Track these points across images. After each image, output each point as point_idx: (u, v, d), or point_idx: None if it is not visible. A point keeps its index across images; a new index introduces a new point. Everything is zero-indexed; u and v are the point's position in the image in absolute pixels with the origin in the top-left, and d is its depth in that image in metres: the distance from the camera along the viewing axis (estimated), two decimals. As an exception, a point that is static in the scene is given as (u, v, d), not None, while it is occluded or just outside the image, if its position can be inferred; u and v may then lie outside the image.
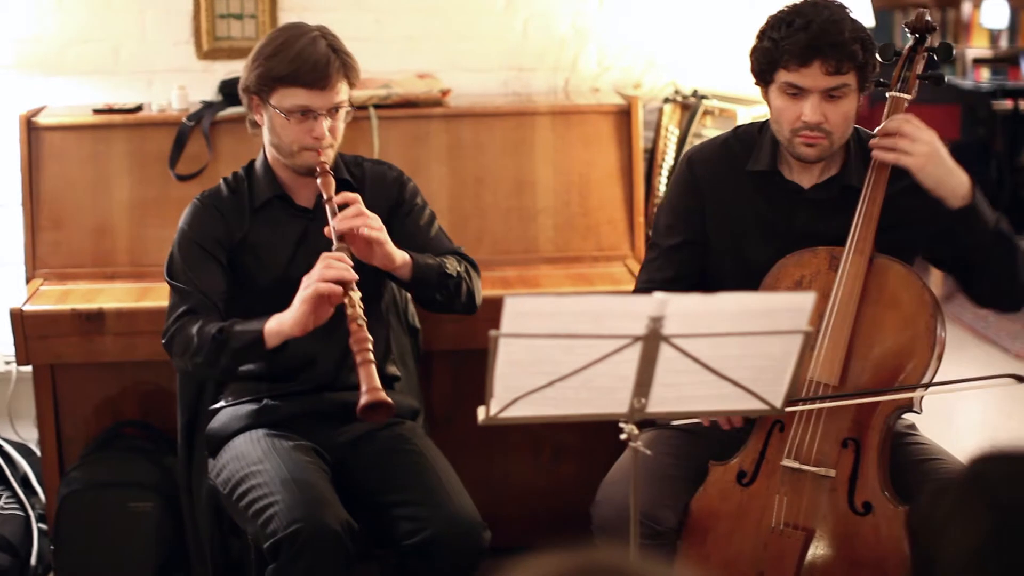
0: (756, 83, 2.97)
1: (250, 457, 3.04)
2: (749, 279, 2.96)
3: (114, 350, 3.66)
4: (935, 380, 2.88)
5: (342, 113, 3.07)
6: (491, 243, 3.98)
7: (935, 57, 2.98)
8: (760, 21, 2.95)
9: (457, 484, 3.05)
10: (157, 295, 3.71)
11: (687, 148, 4.10)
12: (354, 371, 2.82)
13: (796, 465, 2.85)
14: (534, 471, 4.04)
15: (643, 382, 2.33)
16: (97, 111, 4.00)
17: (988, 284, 2.96)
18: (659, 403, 2.38)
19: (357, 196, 3.00)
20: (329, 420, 3.14)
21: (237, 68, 4.20)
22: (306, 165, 3.06)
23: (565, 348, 2.27)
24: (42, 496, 3.94)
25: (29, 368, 3.84)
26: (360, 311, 2.83)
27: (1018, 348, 6.06)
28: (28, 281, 3.86)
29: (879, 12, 5.16)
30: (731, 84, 4.24)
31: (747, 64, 2.98)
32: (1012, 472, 1.43)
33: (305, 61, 3.00)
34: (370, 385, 2.73)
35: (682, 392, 2.38)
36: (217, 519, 3.32)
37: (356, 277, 2.88)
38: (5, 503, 3.90)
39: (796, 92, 2.86)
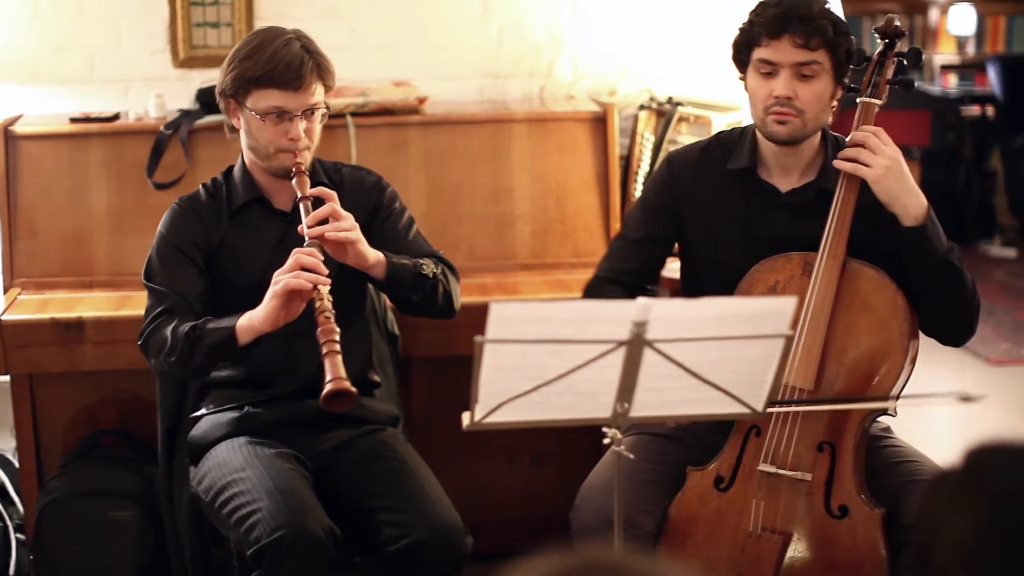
0: (740, 77, 3.03)
1: (232, 464, 3.04)
2: (725, 281, 2.99)
3: (93, 359, 3.66)
4: (904, 387, 2.92)
5: (318, 115, 3.09)
6: (469, 250, 3.99)
7: (905, 62, 3.02)
8: (735, 30, 3.01)
9: (439, 490, 3.06)
10: (136, 304, 3.70)
11: (663, 155, 4.13)
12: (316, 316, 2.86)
13: (772, 470, 2.87)
14: (512, 477, 4.05)
15: (626, 387, 2.36)
16: (74, 120, 3.99)
17: (931, 312, 2.96)
18: (642, 407, 2.41)
19: (333, 193, 3.03)
20: (310, 427, 3.14)
21: (214, 76, 4.18)
22: (283, 167, 3.08)
23: (550, 353, 2.29)
24: (19, 506, 3.93)
25: (4, 377, 3.83)
26: (329, 304, 2.85)
27: (988, 353, 6.11)
28: (5, 291, 3.85)
29: (848, 18, 5.19)
30: (706, 91, 4.27)
31: (721, 72, 3.03)
32: (1009, 462, 1.44)
33: (279, 62, 3.02)
34: (335, 374, 2.75)
35: (665, 396, 2.41)
36: (198, 527, 3.33)
37: (326, 272, 2.90)
38: (-18, 513, 3.89)
39: (769, 71, 2.92)
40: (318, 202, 3.01)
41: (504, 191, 4.07)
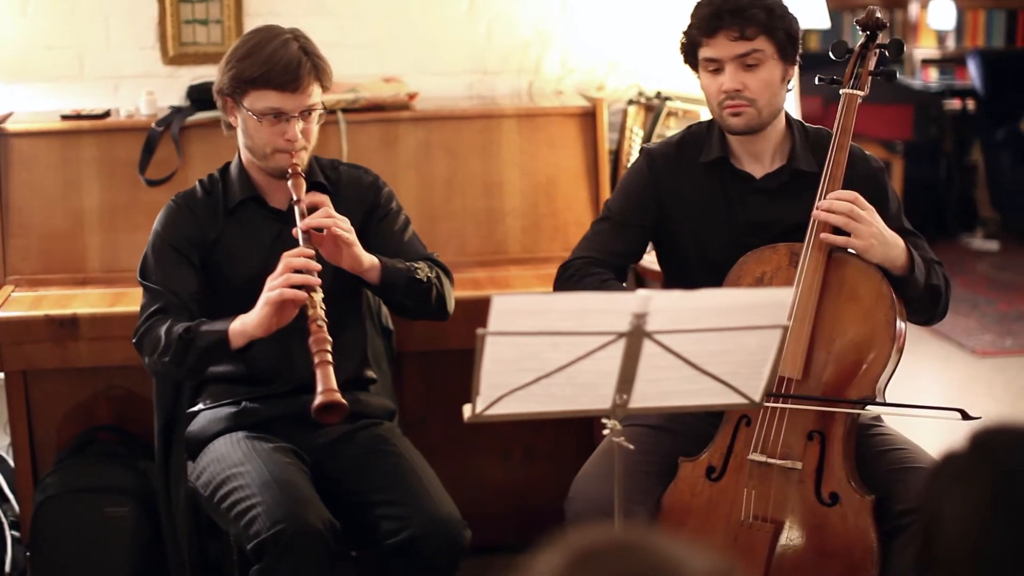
0: (694, 73, 3.10)
1: (231, 459, 3.05)
2: (711, 271, 3.03)
3: (88, 355, 3.66)
4: (892, 375, 2.95)
5: (315, 116, 3.10)
6: (460, 245, 4.01)
7: (887, 54, 3.06)
8: None
9: (437, 484, 3.07)
10: (130, 300, 3.71)
11: (649, 147, 4.15)
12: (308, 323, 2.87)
13: (763, 459, 2.89)
14: (505, 472, 4.07)
15: (626, 378, 2.37)
16: (65, 117, 4.00)
17: (913, 316, 3.05)
18: (641, 399, 2.42)
19: (326, 198, 3.04)
20: (308, 422, 3.13)
21: (203, 73, 4.23)
22: (279, 167, 3.08)
23: (550, 345, 2.31)
24: (14, 502, 3.94)
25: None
26: (322, 312, 2.87)
27: (973, 344, 6.15)
28: (-1, 288, 3.86)
29: (831, 13, 5.22)
30: (694, 86, 4.27)
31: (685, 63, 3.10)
32: (1014, 441, 1.47)
33: (276, 63, 3.02)
34: (326, 386, 2.77)
35: (663, 387, 2.43)
36: (195, 522, 3.33)
37: (319, 268, 2.92)
38: (-24, 511, 3.89)
39: (715, 67, 2.99)
40: (313, 209, 3.02)
41: (494, 186, 4.08)
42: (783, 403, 2.89)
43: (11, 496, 3.96)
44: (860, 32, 3.07)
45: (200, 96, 3.99)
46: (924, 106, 8.11)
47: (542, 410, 2.43)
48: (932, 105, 8.22)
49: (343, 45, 4.30)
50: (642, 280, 4.02)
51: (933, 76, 9.20)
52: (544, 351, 2.32)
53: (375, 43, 4.37)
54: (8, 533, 3.85)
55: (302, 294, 2.88)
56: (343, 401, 2.77)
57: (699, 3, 3.03)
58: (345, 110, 4.00)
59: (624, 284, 3.14)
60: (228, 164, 3.25)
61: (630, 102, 4.32)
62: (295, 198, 3.02)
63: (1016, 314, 6.67)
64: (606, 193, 4.12)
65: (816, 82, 3.15)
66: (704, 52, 3.00)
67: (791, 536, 2.88)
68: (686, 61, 3.10)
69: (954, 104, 8.76)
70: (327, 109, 3.17)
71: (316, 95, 3.08)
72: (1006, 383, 5.72)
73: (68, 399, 3.91)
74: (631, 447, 2.52)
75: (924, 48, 9.19)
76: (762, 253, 3.01)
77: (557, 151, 4.12)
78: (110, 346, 3.65)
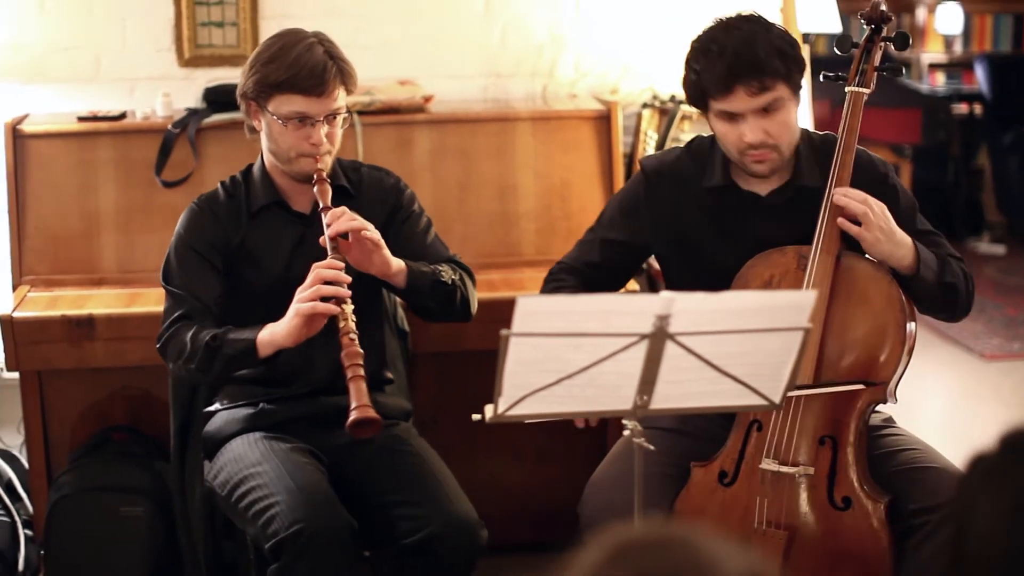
0: (701, 114, 3.00)
1: (249, 459, 3.06)
2: (716, 285, 3.00)
3: (103, 356, 3.68)
4: (902, 376, 2.94)
5: (339, 119, 3.09)
6: (475, 247, 4.02)
7: (892, 47, 3.01)
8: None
9: (454, 484, 3.08)
10: (146, 301, 3.73)
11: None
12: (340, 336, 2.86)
13: (775, 467, 2.89)
14: (518, 473, 4.08)
15: (648, 379, 2.38)
16: (82, 118, 4.01)
17: (930, 313, 3.06)
18: (662, 400, 2.43)
19: (345, 209, 3.00)
20: (325, 423, 3.15)
21: (219, 75, 4.24)
22: (303, 172, 3.08)
23: (573, 346, 2.32)
24: (27, 502, 3.95)
25: (11, 374, 3.84)
26: (353, 324, 2.86)
27: (981, 348, 6.16)
28: (15, 288, 3.87)
29: (840, 16, 5.24)
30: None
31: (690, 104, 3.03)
32: None
33: (302, 68, 3.01)
34: (360, 402, 2.75)
35: (684, 389, 2.43)
36: (211, 522, 3.34)
37: (349, 293, 2.90)
38: (-9, 509, 3.91)
39: (731, 117, 2.89)
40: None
41: (509, 189, 4.10)
42: (798, 392, 2.85)
43: (25, 495, 3.97)
44: (864, 26, 3.02)
45: (216, 98, 4.00)
46: (932, 110, 8.11)
47: (563, 411, 2.45)
48: (940, 109, 8.21)
49: (357, 47, 4.27)
50: (655, 283, 4.02)
51: (940, 80, 9.20)
52: (567, 352, 2.33)
53: (389, 45, 4.38)
54: (21, 532, 3.86)
55: (334, 308, 2.87)
56: (377, 416, 2.76)
57: (704, 49, 2.89)
58: (360, 112, 4.01)
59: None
60: (250, 167, 3.24)
61: (644, 105, 4.33)
62: (321, 205, 3.01)
63: (1023, 318, 6.67)
64: (620, 197, 4.13)
65: (821, 79, 3.06)
66: (719, 105, 2.88)
67: (805, 542, 2.88)
68: (691, 103, 3.00)
69: (961, 108, 8.76)
70: (351, 113, 3.15)
71: (341, 99, 3.08)
72: (1014, 386, 5.73)
73: (83, 399, 3.92)
74: (651, 448, 2.52)
75: (931, 52, 9.19)
76: (770, 256, 2.97)
77: (571, 154, 4.13)
78: (126, 347, 3.66)
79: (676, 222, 3.08)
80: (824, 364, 2.90)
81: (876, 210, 2.87)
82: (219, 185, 3.24)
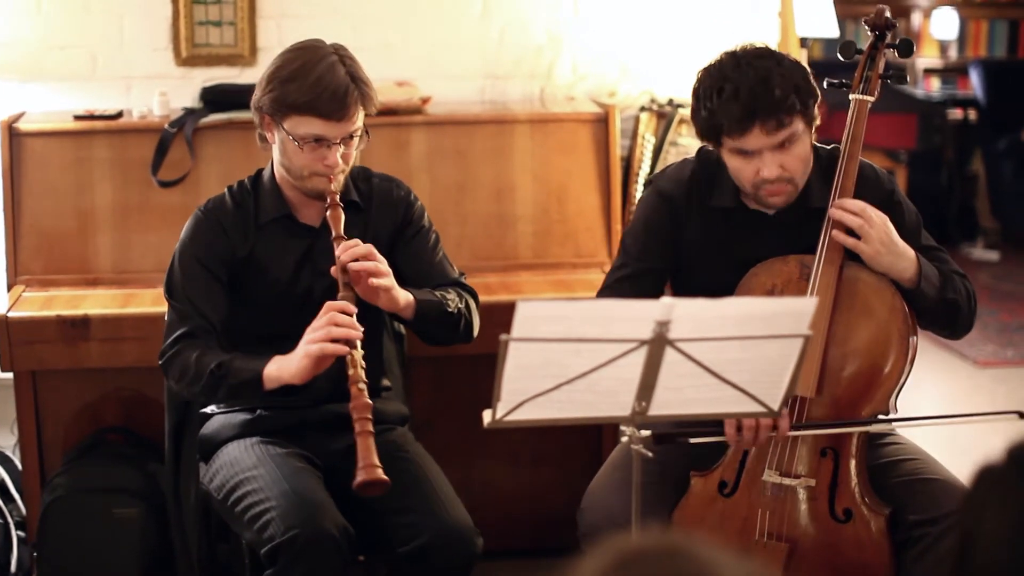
0: (713, 148, 2.94)
1: (244, 463, 3.04)
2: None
3: (98, 356, 3.66)
4: (903, 387, 2.92)
5: (356, 140, 3.01)
6: (471, 250, 4.01)
7: (896, 54, 2.99)
8: (733, 32, 2.96)
9: (450, 491, 3.06)
10: (141, 301, 3.72)
11: (663, 156, 4.15)
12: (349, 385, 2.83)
13: (777, 479, 2.88)
14: (513, 477, 4.07)
15: (647, 385, 2.37)
16: (78, 117, 3.99)
17: (932, 326, 3.03)
18: (661, 406, 2.42)
19: (368, 249, 2.92)
20: (323, 429, 3.13)
21: (216, 75, 4.23)
22: (316, 190, 3.01)
23: (573, 352, 2.31)
24: (20, 503, 3.93)
25: (5, 374, 3.83)
26: (362, 373, 2.80)
27: (975, 354, 6.15)
28: (9, 288, 3.85)
29: (839, 22, 5.23)
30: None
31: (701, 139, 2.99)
32: None
33: (323, 91, 2.91)
34: (367, 461, 2.69)
35: (683, 395, 2.42)
36: (205, 524, 3.32)
37: (361, 336, 2.85)
38: (-17, 510, 3.89)
39: (747, 153, 2.84)
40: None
41: (506, 191, 4.09)
42: (804, 431, 2.86)
43: (18, 496, 3.96)
44: (869, 32, 2.99)
45: (213, 98, 4.00)
46: (927, 115, 8.11)
47: (561, 416, 2.43)
48: (935, 115, 8.22)
49: (355, 48, 4.20)
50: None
51: (935, 86, 9.21)
52: (566, 358, 2.32)
53: (387, 46, 4.37)
54: (14, 533, 3.85)
55: (343, 349, 2.82)
56: (385, 478, 2.70)
57: (717, 88, 2.80)
58: (357, 114, 3.99)
59: None
60: (259, 173, 3.16)
61: (642, 109, 4.33)
62: (334, 234, 2.94)
63: (1017, 324, 6.68)
64: (618, 199, 4.13)
65: (825, 85, 3.00)
66: (734, 143, 2.83)
67: (805, 554, 2.86)
68: (704, 139, 2.92)
69: (956, 114, 8.77)
70: (368, 132, 3.08)
71: (359, 120, 2.99)
72: (1008, 393, 5.73)
73: (77, 400, 3.91)
74: (650, 454, 2.51)
75: (926, 58, 9.20)
76: (772, 265, 2.95)
77: (569, 157, 4.12)
78: (120, 347, 3.65)
79: (687, 239, 3.05)
80: (827, 375, 2.88)
81: (875, 221, 2.85)
82: (226, 191, 3.16)
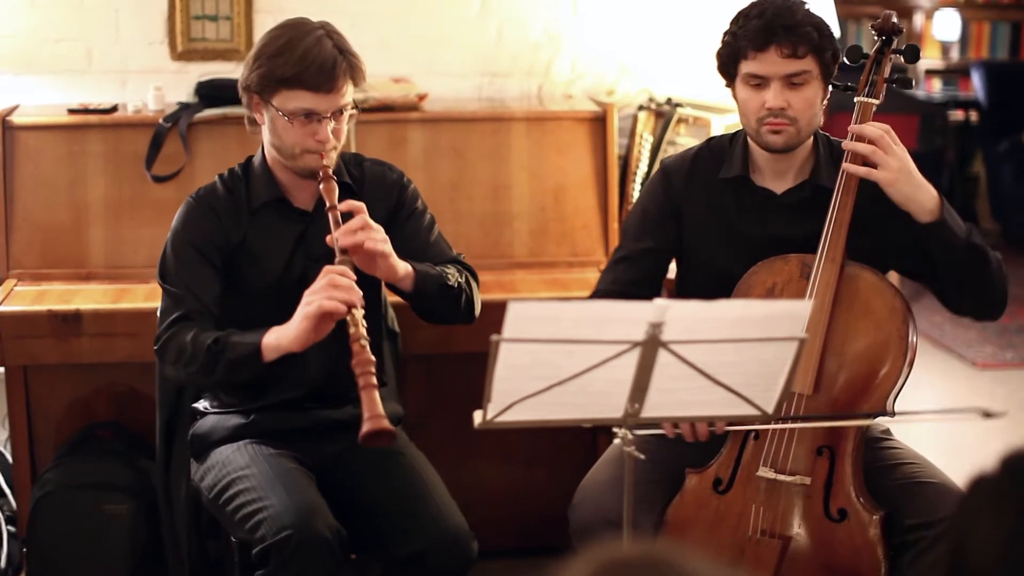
0: (726, 84, 3.02)
1: (237, 462, 3.01)
2: (723, 286, 2.99)
3: (90, 351, 3.64)
4: (902, 389, 2.92)
5: (346, 115, 2.99)
6: (467, 248, 3.95)
7: (902, 59, 2.99)
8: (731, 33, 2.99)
9: (445, 494, 3.03)
10: (134, 296, 3.70)
11: (661, 155, 4.13)
12: (344, 380, 2.79)
13: (772, 475, 2.87)
14: (507, 477, 4.06)
15: (639, 387, 2.35)
16: (72, 111, 3.96)
17: (963, 295, 2.97)
18: (654, 408, 2.40)
19: (362, 205, 2.91)
20: (315, 435, 3.11)
21: (211, 70, 4.21)
22: (308, 168, 2.98)
23: (565, 353, 2.28)
24: (11, 498, 3.91)
25: (-2, 369, 3.82)
26: (364, 330, 2.73)
27: (974, 356, 6.14)
28: (1, 282, 3.83)
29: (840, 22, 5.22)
30: (705, 93, 4.28)
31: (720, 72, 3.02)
32: None
33: (311, 63, 2.90)
34: (372, 412, 2.62)
35: (677, 397, 2.40)
36: (195, 521, 3.31)
37: (361, 295, 2.79)
38: (-28, 506, 3.87)
39: (758, 82, 2.91)
40: (347, 216, 2.90)
41: (502, 189, 4.06)
42: (792, 424, 2.86)
43: (8, 492, 3.94)
44: (875, 37, 3.01)
45: (209, 92, 3.97)
46: (929, 117, 8.09)
47: (553, 418, 2.41)
48: (937, 116, 8.20)
49: (353, 44, 4.25)
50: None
51: (937, 87, 9.20)
52: (558, 359, 2.29)
53: (385, 42, 4.34)
54: (4, 528, 3.83)
55: (342, 307, 2.75)
56: (391, 428, 2.62)
57: (744, 13, 2.94)
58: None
59: None
60: (250, 160, 3.14)
61: (640, 108, 4.30)
62: (328, 204, 2.90)
63: (1017, 326, 6.65)
64: (615, 199, 4.11)
65: (830, 87, 3.01)
66: (749, 67, 2.91)
67: (799, 552, 2.85)
68: (721, 71, 3.01)
69: (957, 115, 8.75)
70: (358, 107, 3.06)
71: (349, 94, 2.97)
72: (1007, 395, 5.71)
73: (68, 395, 3.89)
74: (642, 457, 2.49)
75: (928, 59, 9.18)
76: (773, 264, 2.96)
77: (566, 156, 4.10)
78: (112, 342, 3.63)
79: (694, 215, 3.08)
80: (824, 374, 2.88)
81: (894, 148, 2.85)
82: (217, 179, 3.14)
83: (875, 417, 2.89)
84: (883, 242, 3.00)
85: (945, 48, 9.21)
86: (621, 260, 3.15)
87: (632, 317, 2.27)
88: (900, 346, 2.87)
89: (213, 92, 3.95)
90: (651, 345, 2.28)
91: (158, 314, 3.08)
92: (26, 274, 3.85)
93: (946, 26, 9.04)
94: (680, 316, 2.27)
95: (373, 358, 2.69)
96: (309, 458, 3.08)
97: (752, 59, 2.90)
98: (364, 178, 3.18)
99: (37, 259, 3.87)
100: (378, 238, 2.87)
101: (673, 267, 3.24)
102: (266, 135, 3.05)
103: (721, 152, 3.10)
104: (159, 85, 4.06)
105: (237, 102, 3.15)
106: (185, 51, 4.25)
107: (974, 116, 8.78)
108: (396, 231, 3.08)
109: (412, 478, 3.04)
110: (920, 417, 2.90)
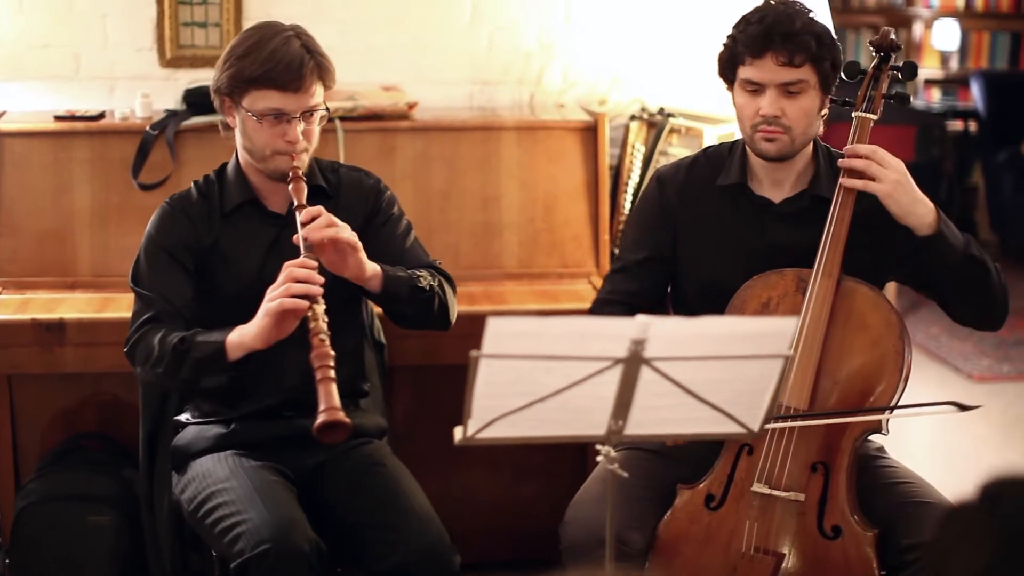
0: (727, 88, 3.02)
1: (217, 475, 2.99)
2: (719, 297, 2.97)
3: (74, 361, 3.61)
4: (894, 404, 2.90)
5: (317, 116, 3.00)
6: (456, 258, 3.96)
7: (899, 76, 2.99)
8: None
9: (427, 507, 3.00)
10: (119, 306, 3.67)
11: (653, 166, 4.10)
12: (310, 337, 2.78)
13: (766, 491, 2.85)
14: (495, 490, 4.03)
15: (622, 404, 2.32)
16: (59, 118, 3.94)
17: (964, 305, 2.99)
18: (637, 425, 2.36)
19: (321, 208, 2.92)
20: (296, 446, 3.08)
21: (200, 77, 4.18)
22: (279, 170, 2.99)
23: (545, 369, 2.25)
24: (-5, 509, 3.89)
25: (-20, 379, 3.79)
26: (324, 325, 2.76)
27: (970, 369, 6.11)
28: (-15, 290, 3.81)
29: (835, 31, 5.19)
30: (697, 103, 4.25)
31: (712, 83, 3.01)
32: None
33: (278, 62, 2.92)
34: (328, 404, 2.63)
35: (661, 414, 2.37)
36: (178, 532, 3.27)
37: (322, 290, 2.81)
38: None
39: (755, 88, 2.91)
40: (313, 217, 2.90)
41: (492, 199, 4.03)
42: (792, 423, 2.83)
43: (-9, 502, 3.91)
44: (873, 53, 3.01)
45: (196, 100, 3.94)
46: (927, 127, 8.07)
47: (535, 435, 2.37)
48: (935, 126, 8.18)
49: (342, 52, 4.21)
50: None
51: (936, 97, 9.17)
52: (539, 375, 2.26)
53: (375, 50, 4.32)
54: (-12, 538, 3.81)
55: (303, 304, 2.78)
56: (346, 420, 2.63)
57: (746, 18, 2.95)
58: (343, 118, 3.95)
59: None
60: (225, 165, 3.16)
61: (632, 118, 4.27)
62: (295, 203, 2.92)
63: (1014, 340, 6.62)
64: (606, 209, 4.08)
65: (828, 102, 3.03)
66: (746, 72, 2.92)
67: (792, 569, 2.83)
68: (721, 75, 3.01)
69: (956, 125, 8.73)
70: (328, 110, 3.06)
71: (318, 95, 2.98)
72: (1003, 409, 5.68)
73: (53, 405, 3.86)
74: (625, 475, 2.46)
75: (927, 68, 9.15)
76: (768, 278, 2.95)
77: (557, 165, 4.07)
78: (97, 352, 3.60)
79: (689, 224, 3.08)
80: (820, 389, 2.87)
81: (889, 160, 2.85)
82: (192, 185, 3.16)
83: (874, 418, 2.85)
84: (881, 254, 2.99)
85: (944, 58, 9.18)
86: (619, 270, 3.16)
87: (614, 334, 2.24)
88: (896, 362, 2.86)
89: (201, 100, 3.91)
90: (633, 362, 2.25)
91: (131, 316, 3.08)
92: (10, 282, 3.83)
93: (945, 35, 9.01)
94: (663, 333, 2.24)
95: (332, 352, 2.70)
96: (291, 469, 3.06)
97: (749, 65, 2.91)
98: (340, 183, 3.17)
99: (22, 267, 3.84)
100: (344, 234, 2.88)
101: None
102: (238, 138, 3.06)
103: (719, 160, 3.10)
104: (147, 92, 4.04)
105: (224, 110, 3.13)
106: (173, 58, 4.23)
107: (973, 126, 8.76)
108: (372, 236, 3.08)
109: (393, 490, 3.02)
110: (897, 412, 2.87)
